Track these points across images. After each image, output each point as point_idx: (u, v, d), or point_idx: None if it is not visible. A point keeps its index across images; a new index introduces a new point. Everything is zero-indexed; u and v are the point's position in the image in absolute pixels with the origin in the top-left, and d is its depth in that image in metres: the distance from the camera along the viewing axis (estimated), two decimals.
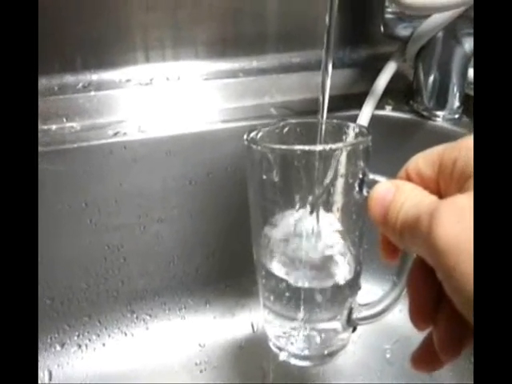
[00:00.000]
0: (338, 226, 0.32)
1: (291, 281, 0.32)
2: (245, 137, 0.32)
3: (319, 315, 0.33)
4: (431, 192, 0.23)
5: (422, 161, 0.24)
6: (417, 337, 0.27)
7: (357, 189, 0.29)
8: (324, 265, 0.32)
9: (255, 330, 0.52)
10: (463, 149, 0.22)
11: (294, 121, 0.35)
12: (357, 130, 0.34)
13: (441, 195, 0.23)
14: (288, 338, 0.34)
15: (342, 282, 0.32)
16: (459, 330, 0.23)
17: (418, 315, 0.25)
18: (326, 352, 0.34)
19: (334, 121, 0.34)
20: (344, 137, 0.34)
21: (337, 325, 0.33)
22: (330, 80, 0.34)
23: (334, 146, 0.30)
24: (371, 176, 0.28)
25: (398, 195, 0.23)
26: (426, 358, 0.26)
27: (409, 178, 0.25)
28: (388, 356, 0.49)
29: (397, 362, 0.49)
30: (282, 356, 0.35)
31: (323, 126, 0.33)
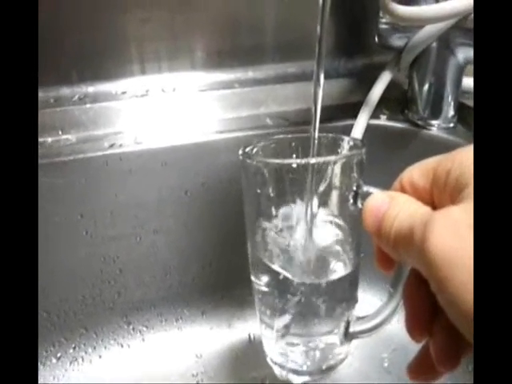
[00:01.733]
0: (335, 236, 0.32)
1: (289, 275, 0.31)
2: (240, 152, 0.32)
3: (317, 328, 0.33)
4: (425, 203, 0.23)
5: (416, 172, 0.24)
6: (414, 345, 0.26)
7: (351, 201, 0.29)
8: (321, 261, 0.32)
9: (252, 340, 0.52)
10: (457, 160, 0.22)
11: (288, 136, 0.35)
12: (351, 143, 0.34)
13: (434, 206, 0.23)
14: (286, 353, 0.34)
15: (339, 275, 0.32)
16: (456, 341, 0.23)
17: (415, 326, 0.25)
18: (324, 367, 0.34)
19: (330, 135, 0.34)
20: (339, 150, 0.34)
21: (334, 339, 0.33)
22: (322, 91, 0.34)
23: (327, 159, 0.30)
24: (365, 188, 0.28)
25: (392, 206, 0.23)
26: (422, 368, 0.26)
27: (403, 190, 0.25)
28: (386, 365, 0.49)
29: (395, 371, 0.49)
30: (280, 373, 0.35)
31: (316, 137, 0.33)
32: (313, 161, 0.31)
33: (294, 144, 0.35)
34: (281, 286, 0.32)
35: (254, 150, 0.33)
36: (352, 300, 0.33)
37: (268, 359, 0.35)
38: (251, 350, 0.51)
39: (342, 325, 0.33)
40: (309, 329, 0.33)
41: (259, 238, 0.33)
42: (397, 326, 0.41)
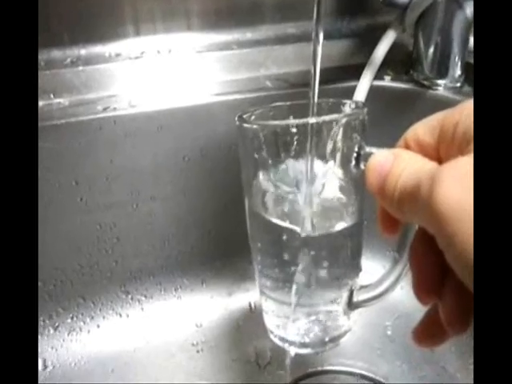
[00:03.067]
0: (336, 193, 0.31)
1: (289, 225, 0.30)
2: (236, 117, 0.30)
3: (319, 297, 0.31)
4: (431, 159, 0.22)
5: (421, 128, 0.23)
6: (418, 313, 0.26)
7: (353, 162, 0.28)
8: (322, 214, 0.31)
9: (253, 309, 0.51)
10: (465, 112, 0.21)
11: (287, 103, 0.33)
12: (353, 105, 0.33)
13: (441, 162, 0.22)
14: (287, 325, 0.33)
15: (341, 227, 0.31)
16: (466, 302, 0.22)
17: (423, 289, 0.24)
18: (327, 338, 0.33)
19: (331, 99, 0.33)
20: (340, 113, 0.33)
21: (337, 308, 0.32)
22: (321, 51, 0.32)
23: (327, 118, 0.29)
24: (368, 149, 0.27)
25: (396, 163, 0.22)
26: (429, 332, 0.25)
27: (407, 147, 0.24)
28: (389, 333, 0.49)
29: (398, 339, 0.48)
30: (282, 345, 0.34)
31: (315, 98, 0.32)
32: (312, 120, 0.29)
33: (292, 111, 0.33)
34: (280, 243, 0.31)
35: (252, 117, 0.32)
36: (355, 267, 0.32)
37: (271, 335, 0.34)
38: (252, 319, 0.50)
39: (345, 294, 0.31)
40: (311, 299, 0.32)
41: (258, 195, 0.31)
42: (400, 293, 0.40)
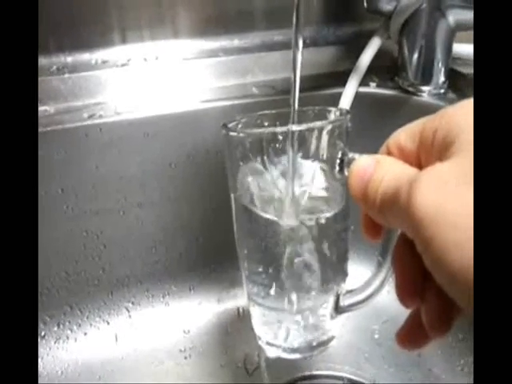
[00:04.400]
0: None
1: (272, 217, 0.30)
2: (221, 124, 0.30)
3: (305, 300, 0.31)
4: (412, 166, 0.22)
5: (403, 135, 0.23)
6: (405, 316, 0.26)
7: (337, 169, 0.28)
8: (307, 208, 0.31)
9: (241, 315, 0.51)
10: (444, 119, 0.21)
11: (273, 111, 0.34)
12: (338, 113, 0.33)
13: (422, 168, 0.22)
14: (274, 330, 0.33)
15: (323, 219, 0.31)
16: (448, 306, 0.23)
17: (405, 292, 0.24)
18: (314, 343, 0.33)
19: (316, 107, 0.33)
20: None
21: (324, 312, 0.32)
22: (300, 58, 0.32)
23: (311, 125, 0.29)
24: (351, 155, 0.27)
25: (378, 169, 0.22)
26: (411, 335, 0.26)
27: (389, 154, 0.24)
28: (376, 337, 0.49)
29: (385, 343, 0.48)
30: (271, 352, 0.34)
31: (296, 106, 0.32)
32: (294, 128, 0.30)
33: (279, 118, 0.33)
34: (266, 243, 0.31)
35: (239, 125, 0.32)
36: (341, 271, 0.32)
37: (259, 341, 0.34)
38: (240, 325, 0.50)
39: (332, 298, 0.32)
40: (298, 303, 0.32)
41: (244, 185, 0.31)
42: (387, 297, 0.40)
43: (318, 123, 0.30)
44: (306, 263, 0.31)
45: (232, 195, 0.32)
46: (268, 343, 0.34)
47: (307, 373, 0.46)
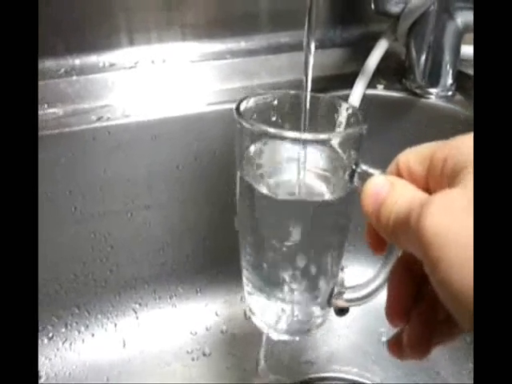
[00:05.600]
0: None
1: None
2: (234, 106, 0.30)
3: (301, 287, 0.32)
4: (421, 188, 0.23)
5: (413, 158, 0.24)
6: None
7: (347, 178, 0.28)
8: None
9: (248, 316, 0.51)
10: (453, 148, 0.22)
11: (288, 92, 0.33)
12: (350, 111, 0.32)
13: (430, 193, 0.23)
14: (268, 311, 0.34)
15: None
16: (429, 332, 0.25)
17: (395, 311, 0.26)
18: (305, 328, 0.34)
19: (327, 96, 0.33)
20: (336, 116, 0.33)
21: (316, 305, 0.33)
22: (312, 60, 0.32)
23: (322, 137, 0.29)
24: (363, 167, 0.27)
25: (391, 193, 0.23)
26: (398, 347, 0.27)
27: (399, 173, 0.24)
28: (383, 339, 0.49)
29: None
30: (265, 330, 0.34)
31: (307, 107, 0.32)
32: (305, 137, 0.30)
33: (290, 102, 0.33)
34: (264, 219, 0.31)
35: (249, 104, 0.32)
36: (338, 260, 0.32)
37: (253, 318, 0.35)
38: (247, 327, 0.50)
39: (327, 292, 0.32)
40: (294, 290, 0.32)
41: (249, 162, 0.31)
42: None
43: (332, 134, 0.30)
44: (301, 247, 0.31)
45: (238, 173, 0.31)
46: (260, 320, 0.34)
47: (314, 375, 0.46)
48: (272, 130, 0.30)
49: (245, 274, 0.34)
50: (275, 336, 0.34)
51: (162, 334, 0.49)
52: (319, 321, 0.34)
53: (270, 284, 0.32)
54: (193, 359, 0.48)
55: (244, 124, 0.29)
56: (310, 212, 0.30)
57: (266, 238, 0.31)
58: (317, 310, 0.33)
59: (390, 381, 0.46)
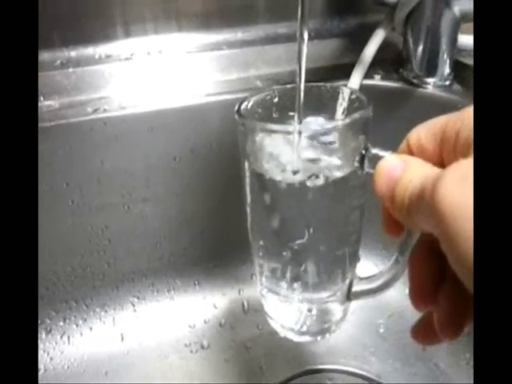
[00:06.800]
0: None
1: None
2: (236, 108, 0.30)
3: (318, 284, 0.31)
4: (434, 164, 0.22)
5: (424, 134, 0.23)
6: (411, 312, 0.26)
7: (356, 164, 0.28)
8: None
9: (246, 309, 0.51)
10: (466, 119, 0.21)
11: (286, 86, 0.33)
12: (353, 96, 0.32)
13: (444, 168, 0.22)
14: (286, 312, 0.33)
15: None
16: (460, 310, 0.23)
17: (419, 296, 0.25)
18: (325, 326, 0.33)
19: (328, 85, 0.33)
20: (340, 101, 0.32)
21: (335, 299, 0.32)
22: (306, 50, 0.32)
23: (329, 126, 0.28)
24: (374, 151, 0.27)
25: (406, 171, 0.22)
26: (424, 333, 0.26)
27: (410, 152, 0.24)
28: (381, 331, 0.49)
29: (390, 337, 0.48)
30: (281, 332, 0.33)
31: (301, 98, 0.31)
32: (301, 129, 0.29)
33: (289, 94, 0.33)
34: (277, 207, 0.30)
35: (250, 104, 0.31)
36: (354, 257, 0.32)
37: (269, 319, 0.34)
38: (245, 320, 0.50)
39: (344, 285, 0.31)
40: (311, 287, 0.31)
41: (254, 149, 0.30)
42: (393, 292, 0.40)
43: (338, 123, 0.30)
44: (316, 237, 0.30)
45: (246, 164, 0.31)
46: (279, 324, 0.34)
47: (312, 367, 0.46)
48: (275, 127, 0.30)
49: (259, 274, 0.33)
50: (295, 338, 0.33)
51: (160, 326, 0.49)
52: (339, 317, 0.33)
53: (285, 281, 0.31)
54: (191, 352, 0.47)
55: (247, 124, 0.29)
56: (327, 191, 0.29)
57: (283, 230, 0.30)
58: (336, 306, 0.32)
59: (388, 372, 0.46)
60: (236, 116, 0.30)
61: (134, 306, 0.50)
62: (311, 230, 0.29)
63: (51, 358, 0.46)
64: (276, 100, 0.33)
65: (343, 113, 0.32)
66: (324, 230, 0.30)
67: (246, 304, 0.51)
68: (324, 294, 0.32)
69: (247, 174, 0.31)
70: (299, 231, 0.30)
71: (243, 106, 0.31)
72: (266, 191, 0.30)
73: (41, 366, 0.46)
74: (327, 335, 0.33)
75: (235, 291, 0.52)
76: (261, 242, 0.32)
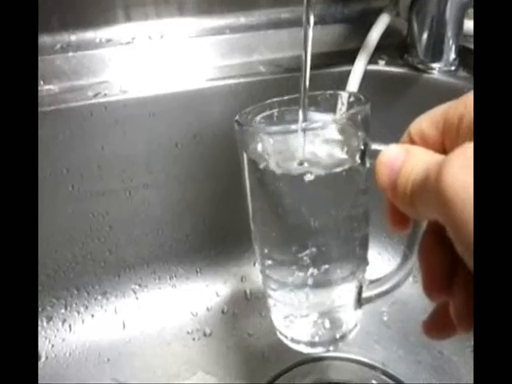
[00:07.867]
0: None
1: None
2: (236, 117, 0.29)
3: (327, 290, 0.31)
4: (437, 153, 0.22)
5: (425, 122, 0.23)
6: (414, 299, 0.26)
7: (358, 161, 0.27)
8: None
9: (248, 297, 0.51)
10: (469, 104, 0.20)
11: (284, 98, 0.32)
12: (352, 98, 0.32)
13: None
14: (296, 324, 0.32)
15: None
16: None
17: (432, 287, 0.24)
18: (337, 335, 0.32)
19: (327, 92, 0.32)
20: (339, 106, 0.32)
21: (346, 303, 0.31)
22: (311, 36, 0.31)
23: (326, 120, 0.28)
24: (374, 145, 0.26)
25: (408, 159, 0.22)
26: (439, 326, 0.25)
27: (412, 142, 0.23)
28: (385, 319, 0.48)
29: (394, 325, 0.48)
30: (294, 346, 0.33)
31: (307, 84, 0.31)
32: (304, 125, 0.29)
33: (289, 105, 0.32)
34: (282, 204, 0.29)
35: (249, 117, 0.31)
36: (362, 256, 0.31)
37: (278, 333, 0.33)
38: (247, 307, 0.50)
39: (354, 288, 0.30)
40: (320, 295, 0.31)
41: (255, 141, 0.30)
42: None
43: (336, 117, 0.29)
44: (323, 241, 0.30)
45: (244, 155, 0.30)
46: (289, 338, 0.33)
47: (316, 355, 0.46)
48: (274, 128, 0.29)
49: (267, 286, 0.33)
50: (308, 350, 0.32)
51: (162, 314, 0.49)
52: (351, 325, 0.32)
53: (293, 287, 0.30)
54: (193, 339, 0.47)
55: (248, 130, 0.29)
56: (324, 187, 0.29)
57: (291, 226, 0.30)
58: (347, 313, 0.32)
59: (392, 360, 0.46)
60: (235, 126, 0.29)
61: (135, 293, 0.49)
62: (315, 225, 0.29)
63: (52, 346, 0.46)
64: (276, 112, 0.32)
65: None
66: (327, 226, 0.29)
67: (248, 292, 0.51)
68: (334, 295, 0.31)
69: (246, 167, 0.30)
70: (301, 231, 0.29)
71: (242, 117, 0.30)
72: (267, 186, 0.30)
73: (42, 353, 0.45)
74: (340, 344, 0.33)
75: (237, 278, 0.52)
76: (265, 250, 0.31)
